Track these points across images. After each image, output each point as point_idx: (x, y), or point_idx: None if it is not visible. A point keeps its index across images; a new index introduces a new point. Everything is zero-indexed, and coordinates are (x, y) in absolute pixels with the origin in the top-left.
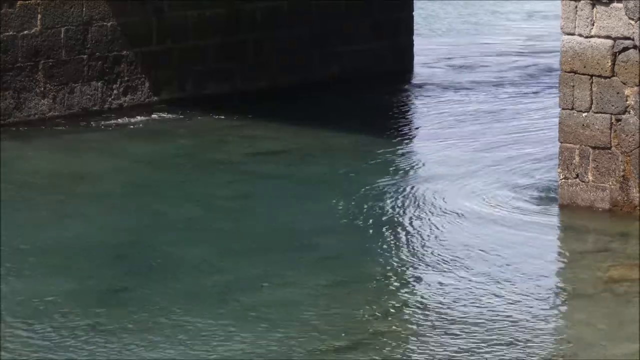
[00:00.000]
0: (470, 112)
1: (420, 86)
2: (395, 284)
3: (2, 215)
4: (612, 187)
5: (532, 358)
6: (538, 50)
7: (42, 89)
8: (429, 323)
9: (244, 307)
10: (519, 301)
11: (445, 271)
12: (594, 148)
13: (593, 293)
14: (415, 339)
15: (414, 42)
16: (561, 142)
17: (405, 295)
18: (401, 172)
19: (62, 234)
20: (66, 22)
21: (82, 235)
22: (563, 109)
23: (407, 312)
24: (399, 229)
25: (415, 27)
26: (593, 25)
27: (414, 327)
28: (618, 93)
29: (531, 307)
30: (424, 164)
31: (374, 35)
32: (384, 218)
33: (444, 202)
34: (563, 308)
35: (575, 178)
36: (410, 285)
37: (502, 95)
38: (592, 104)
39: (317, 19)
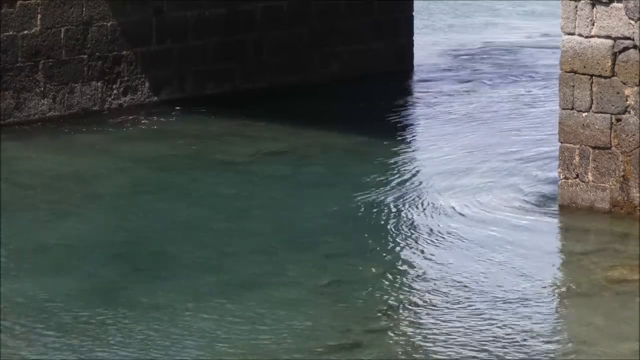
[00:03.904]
0: (471, 111)
1: (420, 86)
2: (395, 284)
3: (2, 215)
4: (612, 187)
5: (532, 358)
6: (538, 48)
7: (42, 89)
8: (428, 323)
9: (244, 307)
10: (518, 301)
11: (444, 271)
12: (594, 148)
13: (593, 293)
14: (414, 338)
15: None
16: (561, 142)
17: (405, 294)
18: (401, 172)
19: (62, 234)
20: (66, 22)
21: (82, 235)
22: (563, 109)
23: (407, 311)
24: (398, 229)
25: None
26: (593, 25)
27: (414, 326)
28: (618, 93)
29: (531, 307)
30: (423, 164)
31: (374, 35)
32: (383, 218)
33: (443, 202)
34: (563, 308)
35: (575, 178)
36: (410, 285)
37: (503, 94)
38: (592, 104)
39: (317, 19)
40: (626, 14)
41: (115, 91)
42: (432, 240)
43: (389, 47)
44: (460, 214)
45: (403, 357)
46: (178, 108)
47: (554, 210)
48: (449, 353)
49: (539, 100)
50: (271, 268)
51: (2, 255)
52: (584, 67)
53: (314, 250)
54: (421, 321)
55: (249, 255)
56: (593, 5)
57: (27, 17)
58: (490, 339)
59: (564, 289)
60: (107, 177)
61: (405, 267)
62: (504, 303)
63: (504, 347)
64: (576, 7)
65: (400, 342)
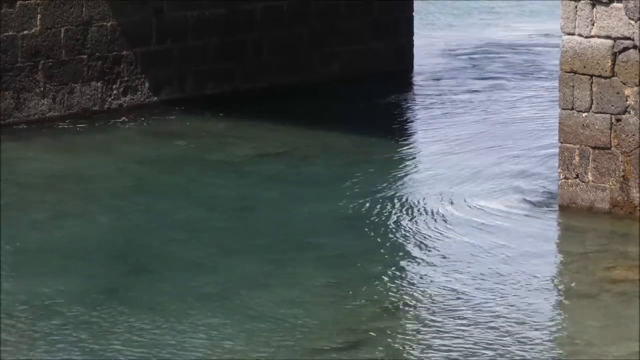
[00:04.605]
0: (471, 112)
1: (420, 86)
2: (395, 283)
3: (2, 215)
4: (612, 187)
5: (532, 358)
6: (538, 48)
7: (42, 89)
8: (428, 323)
9: (244, 307)
10: (518, 301)
11: (444, 271)
12: (594, 148)
13: (593, 293)
14: (415, 338)
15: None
16: (561, 142)
17: (405, 294)
18: (401, 172)
19: (62, 234)
20: (66, 22)
21: (82, 235)
22: (563, 109)
23: (407, 311)
24: (398, 229)
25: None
26: (593, 25)
27: (414, 326)
28: (618, 93)
29: (531, 307)
30: (423, 165)
31: (374, 35)
32: (383, 218)
33: (443, 202)
34: (563, 308)
35: (575, 178)
36: (409, 285)
37: (503, 94)
38: (592, 104)
39: (317, 19)
40: (626, 14)
41: (115, 91)
42: (431, 240)
43: (389, 47)
44: (460, 213)
45: (403, 357)
46: (178, 108)
47: (554, 210)
48: (449, 353)
49: (541, 100)
50: (271, 268)
51: (2, 255)
52: (584, 67)
53: (314, 250)
54: (421, 321)
55: (249, 255)
56: (593, 5)
57: (27, 17)
58: (490, 338)
59: (563, 289)
60: (107, 177)
61: (405, 267)
62: (504, 303)
63: (503, 346)
64: (576, 7)
65: (401, 342)
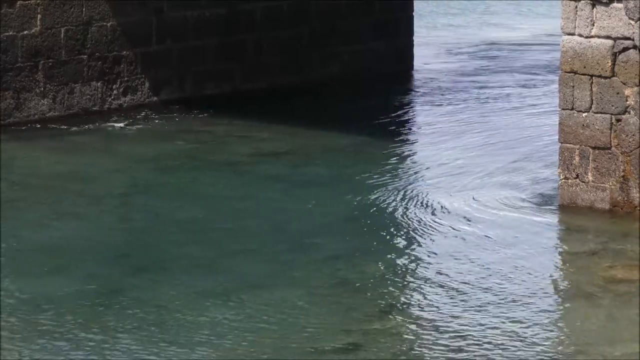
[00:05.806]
0: (471, 111)
1: (420, 86)
2: (395, 284)
3: (1, 215)
4: (612, 187)
5: (532, 358)
6: (537, 48)
7: (42, 89)
8: (428, 323)
9: (244, 307)
10: (518, 301)
11: (444, 271)
12: (594, 148)
13: (593, 293)
14: (414, 338)
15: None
16: (561, 142)
17: (405, 295)
18: (401, 172)
19: (62, 234)
20: (66, 22)
21: (82, 235)
22: (563, 109)
23: (407, 312)
24: (398, 229)
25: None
26: (593, 25)
27: (414, 326)
28: (618, 93)
29: (531, 307)
30: (423, 164)
31: (374, 35)
32: (383, 218)
33: (443, 202)
34: (563, 308)
35: (575, 178)
36: (409, 285)
37: (503, 94)
38: (592, 104)
39: (317, 19)
40: (626, 14)
41: (115, 91)
42: (431, 241)
43: (389, 47)
44: (460, 213)
45: (403, 357)
46: (178, 108)
47: (554, 210)
48: (448, 353)
49: (539, 98)
50: (271, 269)
51: (2, 255)
52: (584, 67)
53: (314, 250)
54: (420, 322)
55: (249, 256)
56: (593, 6)
57: (27, 17)
58: (490, 338)
59: (563, 289)
60: (106, 177)
61: (405, 267)
62: (504, 303)
63: (502, 347)
64: (576, 7)
65: (400, 342)
